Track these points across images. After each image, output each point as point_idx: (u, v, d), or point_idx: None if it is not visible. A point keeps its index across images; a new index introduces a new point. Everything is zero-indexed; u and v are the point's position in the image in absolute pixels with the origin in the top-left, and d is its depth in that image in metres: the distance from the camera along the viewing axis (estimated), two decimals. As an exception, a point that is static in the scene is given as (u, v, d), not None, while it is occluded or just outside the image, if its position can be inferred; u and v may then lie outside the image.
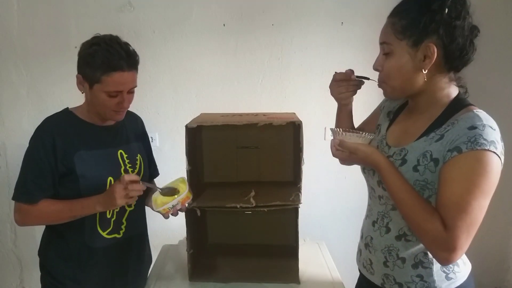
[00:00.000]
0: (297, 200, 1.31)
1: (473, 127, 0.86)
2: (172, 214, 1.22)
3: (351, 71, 1.16)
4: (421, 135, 0.97)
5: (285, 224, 1.55)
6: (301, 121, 1.29)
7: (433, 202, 0.94)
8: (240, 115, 1.51)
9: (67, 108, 1.29)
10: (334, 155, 1.07)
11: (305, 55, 2.10)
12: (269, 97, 2.14)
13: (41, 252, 1.34)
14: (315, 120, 2.13)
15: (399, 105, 1.14)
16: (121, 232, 1.31)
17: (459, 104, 0.95)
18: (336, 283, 1.38)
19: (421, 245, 1.00)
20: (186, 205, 1.23)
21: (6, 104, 2.10)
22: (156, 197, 1.24)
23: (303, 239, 1.60)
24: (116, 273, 1.33)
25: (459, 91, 0.98)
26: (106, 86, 1.17)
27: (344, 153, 1.03)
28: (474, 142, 0.85)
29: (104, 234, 1.27)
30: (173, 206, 1.20)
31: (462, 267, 1.05)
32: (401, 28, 0.92)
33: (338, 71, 1.20)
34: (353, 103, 1.25)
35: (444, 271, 1.01)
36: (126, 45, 1.21)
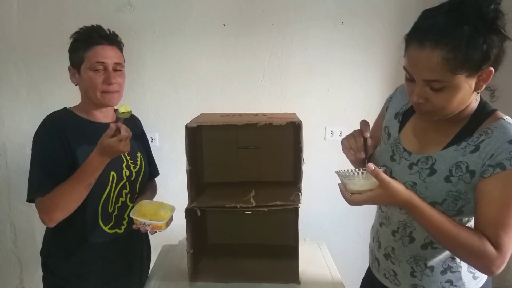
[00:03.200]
0: (297, 200, 1.31)
1: None
2: (138, 228, 1.23)
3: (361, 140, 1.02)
4: (449, 144, 0.93)
5: (285, 224, 1.55)
6: (301, 121, 1.28)
7: (465, 212, 0.93)
8: (240, 115, 1.51)
9: (66, 107, 1.31)
10: (351, 201, 0.94)
11: (305, 55, 2.10)
12: (269, 97, 2.14)
13: (44, 252, 1.34)
14: (315, 120, 2.13)
15: (407, 106, 1.08)
16: (123, 227, 1.32)
17: (484, 110, 0.92)
18: (336, 283, 1.37)
19: (447, 251, 0.99)
20: (153, 232, 1.23)
21: (6, 104, 2.10)
22: (144, 203, 1.27)
23: (303, 239, 1.60)
24: (119, 269, 1.34)
25: (481, 96, 0.95)
26: (89, 61, 1.22)
27: (363, 196, 0.91)
28: None
29: (106, 228, 1.28)
30: (144, 224, 1.21)
31: None
32: (459, 62, 0.80)
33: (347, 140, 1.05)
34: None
35: (470, 272, 1.01)
36: (108, 29, 1.27)
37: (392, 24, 2.04)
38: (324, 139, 2.18)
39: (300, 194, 1.33)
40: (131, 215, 1.22)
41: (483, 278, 1.03)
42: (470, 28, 0.79)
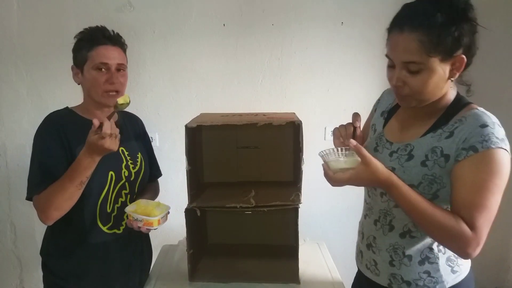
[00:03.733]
0: (297, 200, 1.31)
1: (484, 125, 0.90)
2: (130, 225, 1.23)
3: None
4: (426, 132, 0.99)
5: (285, 224, 1.55)
6: (301, 121, 1.29)
7: (441, 196, 0.97)
8: (240, 115, 1.51)
9: (67, 107, 1.31)
10: (334, 180, 0.98)
11: (305, 55, 2.10)
12: (269, 97, 2.14)
13: (43, 252, 1.34)
14: (315, 120, 2.13)
15: (392, 105, 1.16)
16: (122, 228, 1.32)
17: (460, 103, 0.99)
18: (336, 283, 1.37)
19: (426, 241, 1.02)
20: (146, 229, 1.22)
21: (6, 104, 2.10)
22: (140, 202, 1.27)
23: (303, 239, 1.60)
24: (118, 269, 1.34)
25: (458, 91, 1.02)
26: (92, 61, 1.22)
27: (346, 174, 0.95)
28: (488, 141, 0.88)
29: (104, 229, 1.28)
30: (136, 220, 1.20)
31: (464, 260, 1.06)
32: (432, 44, 0.88)
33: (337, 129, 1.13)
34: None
35: (449, 265, 1.03)
36: (112, 31, 1.28)
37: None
38: (324, 139, 2.18)
39: (300, 194, 1.33)
40: (126, 209, 1.22)
41: (462, 273, 1.05)
42: (443, 15, 0.88)
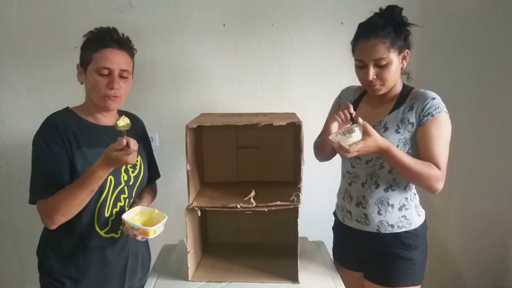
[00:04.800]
0: (297, 200, 1.32)
1: (433, 98, 1.29)
2: (127, 232, 1.23)
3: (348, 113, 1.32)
4: (391, 110, 1.34)
5: (285, 224, 1.55)
6: (301, 121, 1.29)
7: (411, 154, 1.30)
8: (240, 115, 1.51)
9: (68, 107, 1.30)
10: (351, 152, 1.20)
11: (305, 55, 2.10)
12: (269, 97, 2.14)
13: (40, 252, 1.33)
14: (315, 120, 2.12)
15: (354, 98, 1.50)
16: (119, 232, 1.32)
17: (407, 88, 1.37)
18: (336, 283, 1.38)
19: (402, 192, 1.37)
20: (141, 237, 1.23)
21: (7, 104, 2.10)
22: (138, 209, 1.28)
23: (303, 239, 1.60)
24: (115, 272, 1.34)
25: (403, 82, 1.38)
26: (96, 63, 1.21)
27: (358, 145, 1.19)
28: (438, 108, 1.27)
29: (101, 233, 1.27)
30: (132, 228, 1.20)
31: (421, 208, 1.44)
32: (391, 44, 1.26)
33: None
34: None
35: (416, 211, 1.40)
36: (122, 34, 1.27)
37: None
38: (324, 139, 2.18)
39: (300, 194, 1.33)
40: (123, 217, 1.22)
41: (422, 216, 1.42)
42: (391, 25, 1.26)
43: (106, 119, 1.31)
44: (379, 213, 1.37)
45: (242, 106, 2.09)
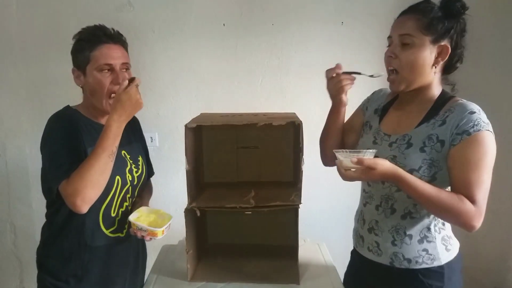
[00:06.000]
0: (297, 200, 1.31)
1: (472, 112, 1.04)
2: (133, 232, 1.22)
3: (339, 65, 1.27)
4: (420, 123, 1.11)
5: (285, 224, 1.55)
6: (301, 121, 1.29)
7: (438, 178, 1.08)
8: (240, 115, 1.51)
9: (69, 105, 1.29)
10: (345, 176, 1.07)
11: (305, 55, 2.10)
12: (269, 97, 2.14)
13: (41, 252, 1.32)
14: (315, 120, 2.12)
15: (384, 103, 1.29)
16: (124, 231, 1.32)
17: (445, 96, 1.13)
18: (336, 283, 1.37)
19: (424, 221, 1.14)
20: (149, 238, 1.22)
21: (5, 104, 2.10)
22: (143, 210, 1.27)
23: (303, 239, 1.60)
24: (118, 271, 1.34)
25: (443, 89, 1.16)
26: (96, 61, 1.18)
27: (357, 171, 1.04)
28: (478, 125, 1.02)
29: (107, 232, 1.27)
30: (140, 229, 1.20)
31: (454, 240, 1.19)
32: (427, 24, 1.05)
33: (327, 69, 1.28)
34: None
35: (443, 244, 1.15)
36: (112, 29, 1.24)
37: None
38: (324, 139, 2.18)
39: (300, 194, 1.32)
40: (130, 219, 1.21)
41: (454, 251, 1.16)
42: (440, 9, 1.07)
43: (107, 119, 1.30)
44: (393, 243, 1.16)
45: (242, 106, 2.09)
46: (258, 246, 1.62)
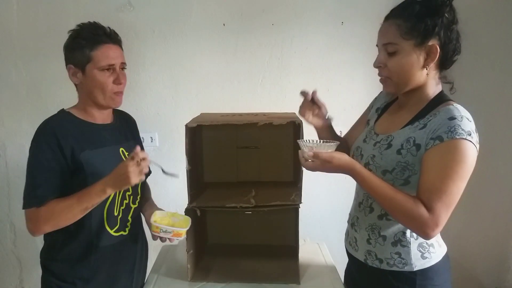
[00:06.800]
0: (297, 200, 1.31)
1: (452, 118, 0.98)
2: (156, 237, 1.24)
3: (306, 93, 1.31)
4: (406, 124, 1.09)
5: (285, 224, 1.55)
6: (301, 121, 1.29)
7: (412, 182, 1.05)
8: (240, 115, 1.51)
9: (63, 109, 1.29)
10: (304, 166, 1.09)
11: (305, 55, 2.10)
12: (269, 97, 2.14)
13: (45, 255, 1.31)
14: (315, 120, 2.13)
15: (387, 102, 1.27)
16: (127, 229, 1.32)
17: (440, 99, 1.07)
18: (336, 283, 1.37)
19: (400, 225, 1.11)
20: (174, 240, 1.23)
21: (6, 104, 2.10)
22: (157, 214, 1.28)
23: (303, 239, 1.60)
24: (124, 270, 1.34)
25: (442, 89, 1.11)
26: (98, 61, 1.20)
27: (315, 163, 1.05)
28: (453, 132, 0.96)
29: (111, 232, 1.27)
30: (165, 232, 1.21)
31: (437, 248, 1.14)
32: (407, 29, 1.01)
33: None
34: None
35: (420, 251, 1.11)
36: (108, 28, 1.25)
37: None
38: (324, 139, 2.18)
39: (300, 194, 1.32)
40: (152, 222, 1.21)
41: (433, 259, 1.11)
42: (421, 7, 1.01)
43: (104, 117, 1.31)
44: (368, 241, 1.17)
45: (242, 106, 2.09)
46: (258, 246, 1.62)
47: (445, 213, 0.97)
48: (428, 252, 1.11)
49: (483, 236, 2.30)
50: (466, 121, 0.98)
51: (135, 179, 1.10)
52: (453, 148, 0.96)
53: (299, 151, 1.10)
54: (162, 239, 1.25)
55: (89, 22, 1.24)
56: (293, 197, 1.32)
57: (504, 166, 2.21)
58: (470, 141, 0.96)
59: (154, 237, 1.25)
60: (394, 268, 1.12)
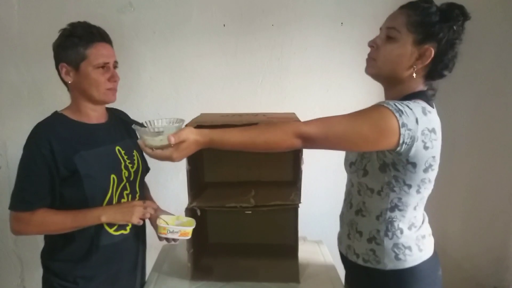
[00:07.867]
0: (297, 200, 1.32)
1: (380, 103, 0.99)
2: (162, 238, 1.26)
3: None
4: None
5: (284, 223, 1.56)
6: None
7: (369, 172, 1.07)
8: (240, 115, 1.51)
9: (56, 111, 1.30)
10: (153, 156, 0.96)
11: (305, 56, 2.10)
12: (269, 97, 2.15)
13: (46, 256, 1.32)
14: (315, 120, 2.14)
15: None
16: (128, 228, 1.33)
17: (412, 97, 1.05)
18: (336, 283, 1.38)
19: (373, 222, 1.11)
20: (179, 240, 1.27)
21: (7, 104, 2.10)
22: (163, 217, 1.29)
23: (302, 238, 1.61)
24: (125, 269, 1.35)
25: (420, 90, 1.08)
26: (94, 59, 1.21)
27: (168, 151, 0.94)
28: (385, 102, 0.98)
29: (111, 231, 1.28)
30: (172, 232, 1.23)
31: (416, 252, 1.10)
32: (415, 22, 1.01)
33: None
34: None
35: (394, 251, 1.09)
36: (98, 27, 1.27)
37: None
38: (324, 139, 2.18)
39: (299, 193, 1.33)
40: (159, 224, 1.24)
41: (408, 262, 1.09)
42: (436, 9, 1.01)
43: (98, 116, 1.31)
44: (348, 236, 1.20)
45: (242, 106, 2.09)
46: (258, 246, 1.63)
47: (316, 125, 0.96)
48: (403, 254, 1.09)
49: (482, 236, 2.30)
50: (406, 106, 0.96)
51: (136, 218, 1.20)
52: (373, 105, 1.00)
53: (139, 141, 0.96)
54: (169, 240, 1.26)
55: (79, 21, 1.25)
56: (292, 196, 1.33)
57: (504, 166, 2.21)
58: (390, 110, 0.95)
59: (161, 239, 1.26)
60: (368, 265, 1.13)
